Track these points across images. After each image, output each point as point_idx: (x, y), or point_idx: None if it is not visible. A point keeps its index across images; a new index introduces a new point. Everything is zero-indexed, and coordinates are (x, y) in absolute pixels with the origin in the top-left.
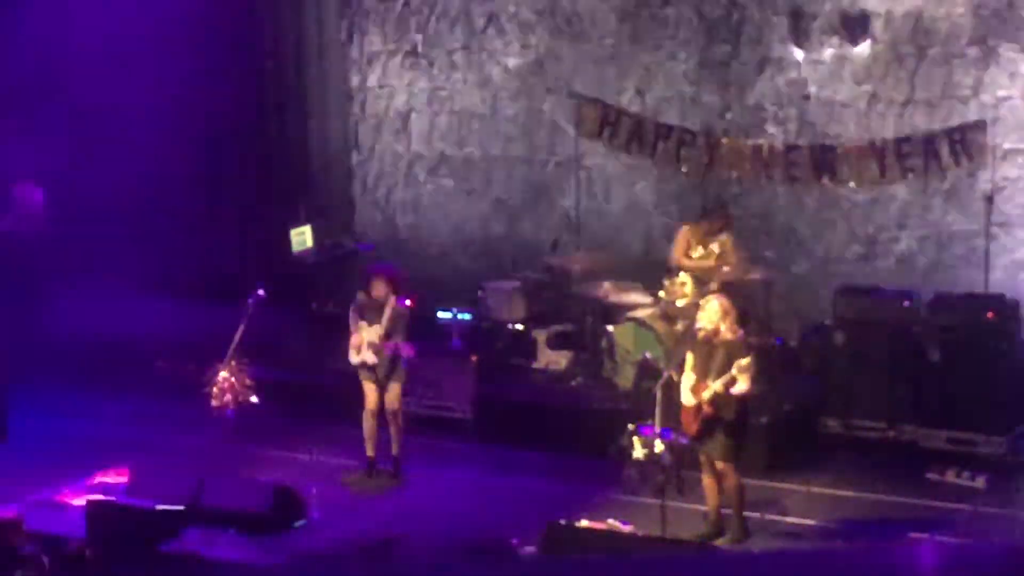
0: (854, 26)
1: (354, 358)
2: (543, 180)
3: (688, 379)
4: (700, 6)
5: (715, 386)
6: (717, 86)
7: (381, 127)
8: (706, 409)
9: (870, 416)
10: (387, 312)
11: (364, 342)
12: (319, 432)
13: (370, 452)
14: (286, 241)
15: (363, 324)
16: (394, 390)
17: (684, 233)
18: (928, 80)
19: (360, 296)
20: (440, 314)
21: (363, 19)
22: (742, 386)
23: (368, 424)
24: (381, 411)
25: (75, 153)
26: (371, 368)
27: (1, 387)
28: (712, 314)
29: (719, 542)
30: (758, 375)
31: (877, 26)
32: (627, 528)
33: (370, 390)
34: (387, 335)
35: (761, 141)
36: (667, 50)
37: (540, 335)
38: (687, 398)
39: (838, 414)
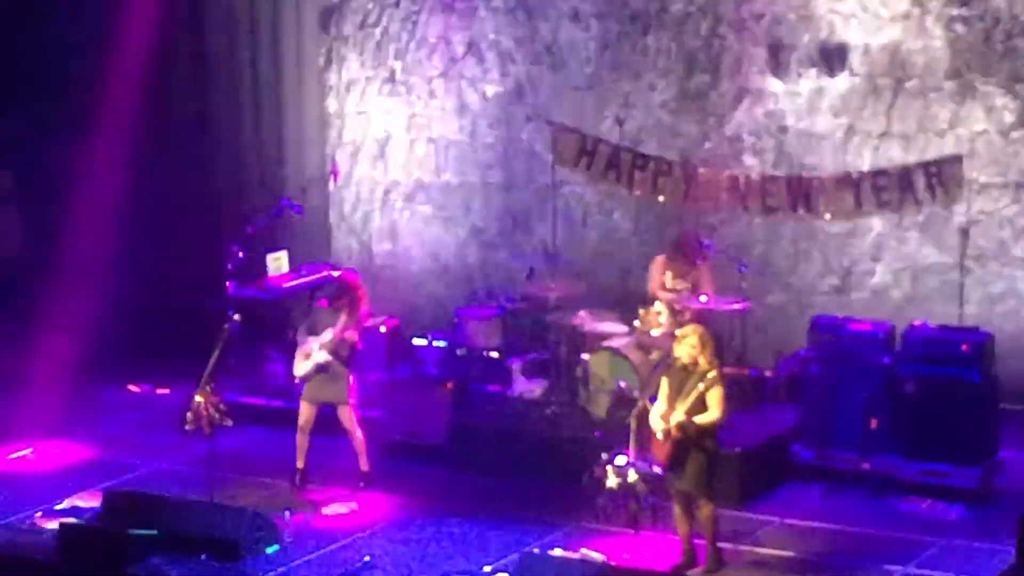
0: (832, 58)
1: (302, 368)
2: (520, 208)
3: (660, 407)
4: (679, 36)
5: (680, 411)
6: (695, 116)
7: (358, 154)
8: (674, 433)
9: (844, 447)
10: (342, 318)
11: (315, 346)
12: (293, 456)
13: (300, 464)
14: (262, 266)
15: (312, 338)
16: (346, 412)
17: (659, 264)
18: (905, 113)
19: (316, 310)
20: (415, 341)
21: (341, 45)
22: (713, 414)
23: (300, 439)
24: (314, 428)
25: (54, 181)
26: (322, 374)
27: None
28: (690, 346)
29: (692, 572)
30: (730, 405)
31: (855, 59)
32: (600, 558)
33: (305, 407)
34: (342, 332)
35: (738, 172)
36: (646, 80)
37: (515, 363)
38: (656, 424)
39: (812, 445)
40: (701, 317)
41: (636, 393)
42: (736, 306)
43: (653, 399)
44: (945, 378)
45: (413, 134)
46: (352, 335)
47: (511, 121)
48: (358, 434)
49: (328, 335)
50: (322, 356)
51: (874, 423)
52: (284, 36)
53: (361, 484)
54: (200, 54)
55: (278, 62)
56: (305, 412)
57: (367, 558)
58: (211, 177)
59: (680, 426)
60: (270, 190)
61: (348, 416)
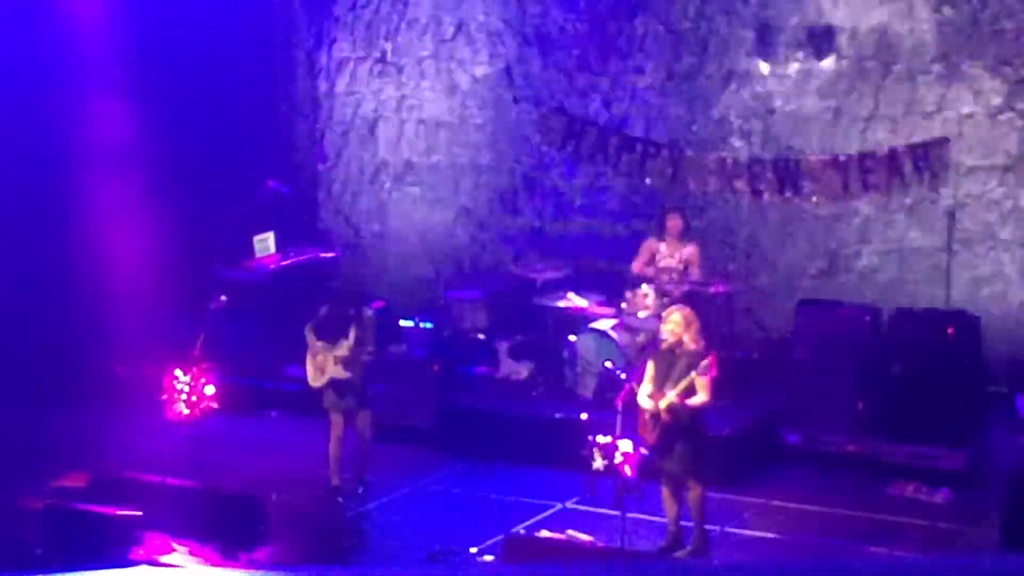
0: (820, 41)
1: (317, 380)
2: (508, 190)
3: (646, 388)
4: (667, 19)
5: (672, 395)
6: (683, 98)
7: (348, 134)
8: (664, 417)
9: (831, 430)
10: (352, 332)
11: (330, 360)
12: (280, 437)
13: (335, 481)
14: (249, 247)
15: (322, 344)
16: (364, 417)
17: (647, 246)
18: (892, 96)
19: (323, 311)
20: (402, 322)
21: (332, 26)
22: (701, 397)
23: (334, 452)
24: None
25: (37, 156)
26: (339, 387)
27: None
28: (675, 325)
29: (679, 554)
30: (718, 387)
31: (842, 41)
32: (586, 539)
33: (336, 417)
34: (358, 344)
35: (725, 154)
36: (634, 62)
37: (502, 345)
38: (645, 405)
39: (799, 427)
40: (688, 299)
41: (622, 374)
42: (721, 288)
43: (639, 380)
44: (931, 361)
45: (403, 115)
46: (370, 355)
47: (500, 103)
48: (367, 438)
49: (343, 350)
50: (338, 372)
51: (860, 406)
52: (274, 16)
53: (361, 490)
54: (188, 34)
55: (267, 42)
56: (337, 421)
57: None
58: (198, 159)
59: (671, 410)
60: (258, 170)
61: (364, 422)
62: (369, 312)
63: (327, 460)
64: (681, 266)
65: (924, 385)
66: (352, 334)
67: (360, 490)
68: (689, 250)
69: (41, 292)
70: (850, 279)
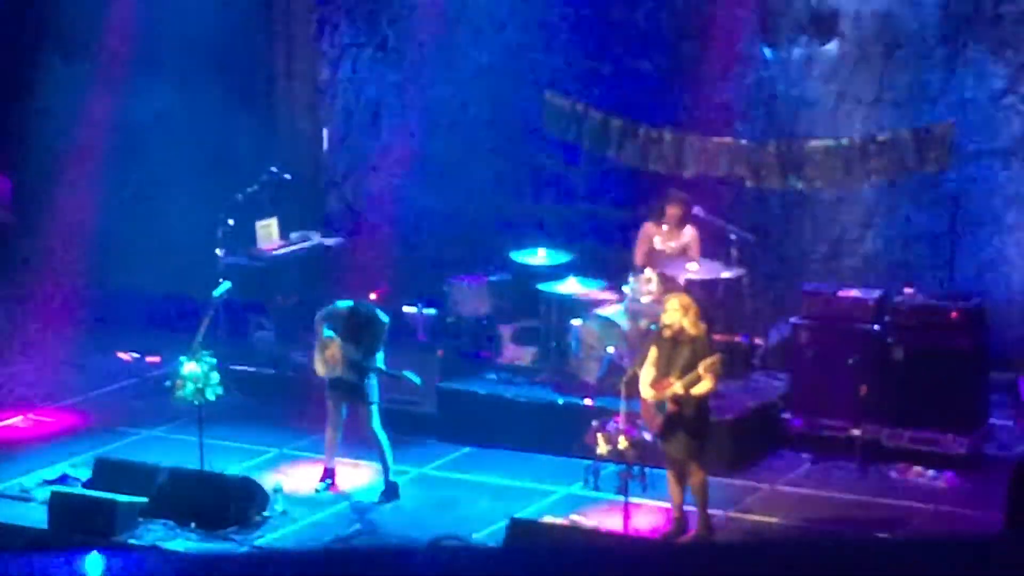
0: (823, 25)
1: (325, 371)
2: (511, 175)
3: (648, 374)
4: (670, 2)
5: (677, 387)
6: (685, 83)
7: (350, 120)
8: (669, 407)
9: (834, 415)
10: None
11: (339, 358)
12: (283, 424)
13: (330, 464)
14: (251, 233)
15: (333, 339)
16: (365, 413)
17: (646, 230)
18: (896, 80)
19: (338, 309)
20: (405, 308)
21: (334, 11)
22: (706, 385)
23: (330, 437)
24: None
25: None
26: (344, 385)
27: None
28: (673, 311)
29: (683, 539)
30: (722, 372)
31: (845, 25)
32: (590, 524)
33: (335, 408)
34: (368, 352)
35: (728, 139)
36: (637, 46)
37: (505, 330)
38: (647, 393)
39: (802, 412)
40: (691, 285)
41: (625, 360)
42: (724, 274)
43: (642, 366)
44: (935, 345)
45: (405, 101)
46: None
47: (502, 88)
48: (380, 439)
49: (355, 351)
50: (347, 374)
51: (863, 390)
52: (275, 2)
53: (382, 498)
54: (189, 19)
55: (269, 28)
56: (335, 412)
57: (356, 526)
58: (201, 144)
59: (675, 399)
60: (260, 157)
61: (368, 418)
62: (384, 320)
63: (324, 444)
64: (679, 251)
65: (927, 369)
66: (363, 343)
67: (383, 500)
68: (687, 235)
69: (44, 279)
70: (854, 263)
